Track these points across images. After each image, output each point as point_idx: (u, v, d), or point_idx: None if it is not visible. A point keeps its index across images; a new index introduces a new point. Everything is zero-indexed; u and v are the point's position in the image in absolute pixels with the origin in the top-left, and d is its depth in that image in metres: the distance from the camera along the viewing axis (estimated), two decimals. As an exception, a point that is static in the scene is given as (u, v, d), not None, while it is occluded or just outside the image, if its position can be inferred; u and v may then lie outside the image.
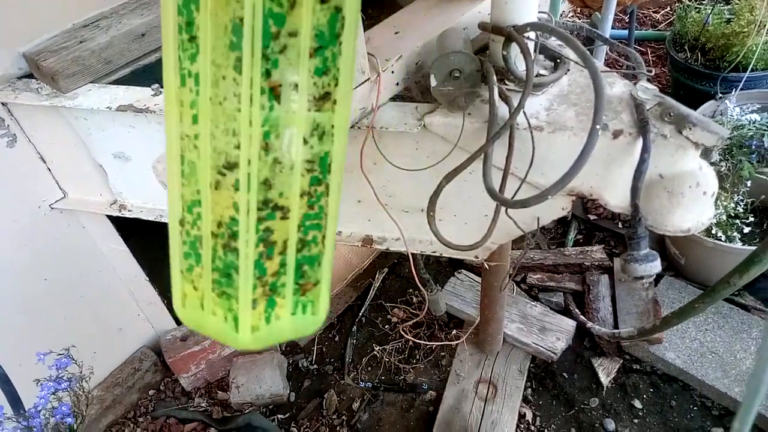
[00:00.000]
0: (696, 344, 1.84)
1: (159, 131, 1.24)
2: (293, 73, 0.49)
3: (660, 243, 2.15)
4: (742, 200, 1.89)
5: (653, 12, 3.37)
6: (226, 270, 0.55)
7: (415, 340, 2.06)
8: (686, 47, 2.47)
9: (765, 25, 2.20)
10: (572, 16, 3.42)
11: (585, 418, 1.81)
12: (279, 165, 0.52)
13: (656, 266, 0.95)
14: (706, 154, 0.92)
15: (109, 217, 1.66)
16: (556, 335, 1.95)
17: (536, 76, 0.99)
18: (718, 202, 1.87)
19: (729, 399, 1.74)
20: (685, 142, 0.89)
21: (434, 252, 1.25)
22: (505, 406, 1.83)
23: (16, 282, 1.58)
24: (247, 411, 1.94)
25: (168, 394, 2.04)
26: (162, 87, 1.22)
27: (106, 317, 1.88)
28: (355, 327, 2.17)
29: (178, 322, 2.07)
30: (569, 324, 1.98)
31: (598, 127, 0.83)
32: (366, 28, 1.06)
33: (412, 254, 1.25)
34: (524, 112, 0.93)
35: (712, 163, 0.95)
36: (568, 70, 1.03)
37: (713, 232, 1.87)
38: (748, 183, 1.88)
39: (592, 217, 2.35)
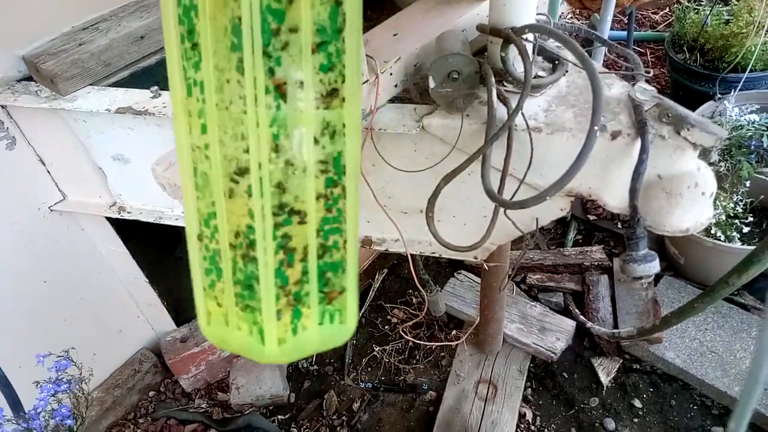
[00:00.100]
0: (696, 344, 1.85)
1: (158, 133, 1.24)
2: (297, 70, 0.48)
3: (659, 243, 2.16)
4: (741, 200, 1.89)
5: (652, 13, 3.37)
6: (248, 281, 0.53)
7: (415, 341, 2.06)
8: (685, 48, 2.47)
9: (763, 26, 2.20)
10: (571, 18, 3.43)
11: (585, 418, 1.81)
12: (291, 167, 0.50)
13: (655, 266, 0.95)
14: (704, 154, 0.92)
15: (109, 219, 1.66)
16: (555, 335, 1.95)
17: (534, 77, 0.99)
18: (718, 202, 1.87)
19: (729, 398, 1.74)
20: (684, 142, 0.89)
21: (433, 253, 1.26)
22: (505, 406, 1.83)
23: (15, 284, 1.59)
24: (247, 412, 1.94)
25: (168, 396, 2.04)
26: (161, 90, 1.22)
27: (105, 319, 1.88)
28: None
29: (178, 324, 2.07)
30: (569, 324, 1.98)
31: (596, 128, 0.83)
32: (365, 30, 1.06)
33: (412, 255, 1.25)
34: (522, 114, 0.93)
35: (711, 164, 0.95)
36: (567, 71, 1.03)
37: (712, 231, 1.87)
38: (747, 183, 1.88)
39: (591, 218, 2.35)
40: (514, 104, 0.91)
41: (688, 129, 0.88)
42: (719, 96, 2.20)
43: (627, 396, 1.84)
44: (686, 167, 0.91)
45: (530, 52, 0.97)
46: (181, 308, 2.17)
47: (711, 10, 2.40)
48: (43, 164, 1.51)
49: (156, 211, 1.48)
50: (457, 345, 2.00)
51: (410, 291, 2.24)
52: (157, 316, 2.02)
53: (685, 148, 0.90)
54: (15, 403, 1.20)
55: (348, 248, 0.56)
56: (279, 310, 0.54)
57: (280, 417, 1.96)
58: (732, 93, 2.15)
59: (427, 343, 2.05)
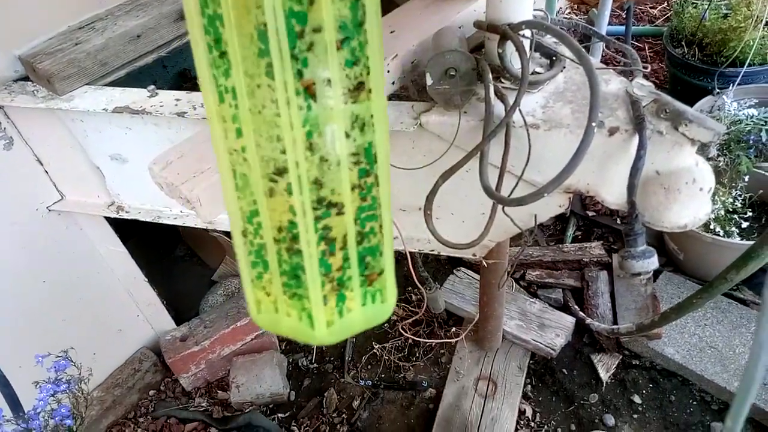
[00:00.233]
0: (695, 339, 1.85)
1: (155, 132, 1.24)
2: (324, 69, 0.49)
3: (659, 238, 2.16)
4: (740, 195, 1.89)
5: (650, 8, 3.36)
6: (294, 272, 0.57)
7: (415, 338, 2.06)
8: (683, 43, 2.47)
9: (762, 20, 2.20)
10: (569, 13, 3.42)
11: (585, 414, 1.82)
12: (326, 163, 0.52)
13: (653, 262, 0.95)
14: (703, 149, 0.92)
15: (107, 218, 1.66)
16: (555, 332, 1.95)
17: (532, 73, 0.99)
18: (717, 197, 1.87)
19: (728, 393, 1.74)
20: (681, 138, 0.89)
21: (432, 250, 1.26)
22: (504, 402, 1.83)
23: (14, 284, 1.58)
24: (247, 410, 1.94)
25: (168, 395, 2.04)
26: (157, 89, 1.22)
27: (105, 318, 1.88)
28: (354, 325, 2.17)
29: (178, 323, 2.07)
30: (568, 320, 1.98)
31: (593, 124, 0.83)
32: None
33: (410, 253, 1.25)
34: (520, 110, 0.93)
35: (709, 159, 0.95)
36: (564, 67, 1.03)
37: (712, 227, 1.87)
38: (746, 178, 1.88)
39: (590, 214, 2.35)
40: (511, 101, 0.91)
41: (686, 124, 0.87)
42: (718, 90, 2.20)
43: (626, 392, 1.84)
44: (684, 163, 0.91)
45: (527, 48, 0.97)
46: (181, 307, 2.17)
47: (709, 5, 2.39)
48: (41, 164, 1.51)
49: (154, 211, 1.48)
50: (456, 342, 2.01)
51: (410, 288, 2.24)
52: (156, 316, 2.02)
53: (683, 144, 0.89)
54: (14, 403, 1.20)
55: (384, 232, 0.59)
56: (325, 296, 0.58)
57: (280, 415, 1.96)
58: (730, 87, 2.15)
59: (426, 341, 2.06)
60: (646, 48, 3.09)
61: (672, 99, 0.90)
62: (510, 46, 0.95)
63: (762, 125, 1.92)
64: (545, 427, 1.81)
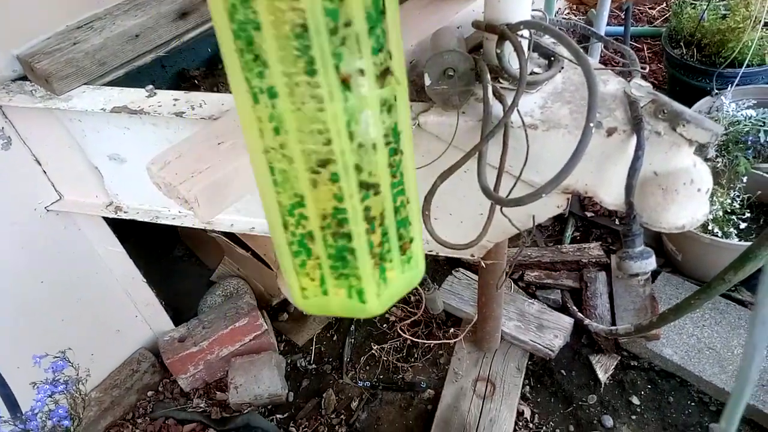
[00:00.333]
0: (693, 340, 1.85)
1: (153, 132, 1.24)
2: (357, 60, 0.51)
3: (657, 239, 2.16)
4: (738, 196, 1.89)
5: (649, 8, 3.37)
6: (340, 254, 0.61)
7: (413, 339, 2.06)
8: (682, 43, 2.47)
9: (760, 21, 2.20)
10: (568, 13, 3.42)
11: (583, 415, 1.81)
12: (363, 148, 0.55)
13: (651, 263, 0.95)
14: (701, 150, 0.92)
15: (106, 218, 1.66)
16: (553, 332, 1.95)
17: (530, 74, 0.99)
18: (715, 198, 1.87)
19: (726, 394, 1.74)
20: (679, 139, 0.89)
21: (430, 251, 1.26)
22: (503, 403, 1.83)
23: (12, 284, 1.58)
24: (245, 411, 1.94)
25: (166, 395, 2.04)
26: (156, 89, 1.22)
27: (103, 319, 1.88)
28: (352, 326, 2.17)
29: (176, 323, 2.06)
30: (567, 321, 1.98)
31: (591, 125, 0.83)
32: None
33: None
34: (518, 111, 0.93)
35: (708, 160, 0.95)
36: (562, 67, 1.03)
37: (710, 228, 1.87)
38: (745, 179, 1.88)
39: (589, 214, 2.35)
40: (509, 101, 0.91)
41: (683, 125, 0.87)
42: (716, 91, 2.20)
43: (625, 393, 1.84)
44: (682, 164, 0.91)
45: (526, 48, 0.97)
46: (179, 308, 2.17)
47: (708, 5, 2.40)
48: (39, 164, 1.51)
49: (153, 211, 1.48)
50: (455, 343, 2.00)
51: (408, 289, 2.24)
52: (155, 316, 2.02)
53: (680, 145, 0.89)
54: (12, 403, 1.20)
55: (411, 203, 0.63)
56: (372, 271, 0.63)
57: (278, 416, 1.96)
58: (729, 88, 2.15)
59: (425, 342, 2.05)
60: (645, 48, 3.09)
61: (670, 100, 0.90)
62: (508, 47, 0.95)
63: (760, 126, 1.92)
64: (543, 428, 1.81)
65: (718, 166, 1.90)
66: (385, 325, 2.16)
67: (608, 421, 1.78)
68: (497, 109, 0.94)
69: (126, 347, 2.00)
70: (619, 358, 1.92)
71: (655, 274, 2.06)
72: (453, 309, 2.09)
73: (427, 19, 1.15)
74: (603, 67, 1.04)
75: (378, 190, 0.58)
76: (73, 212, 1.62)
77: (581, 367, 1.93)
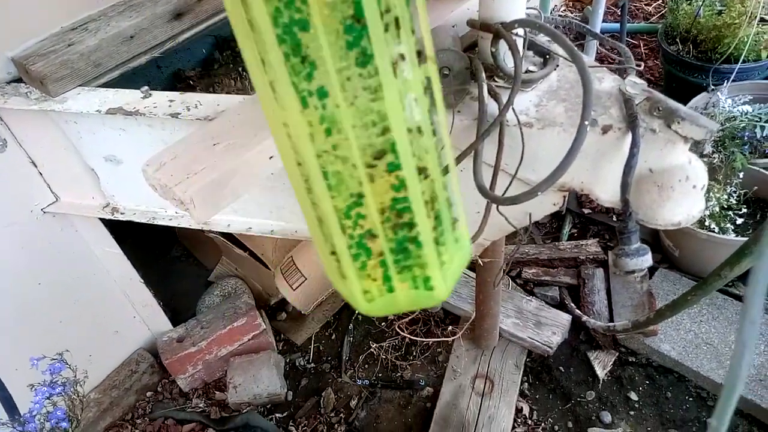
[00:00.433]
0: (691, 336, 1.85)
1: (149, 134, 1.24)
2: (398, 45, 0.51)
3: (654, 235, 2.16)
4: (734, 192, 1.90)
5: (645, 4, 3.37)
6: (401, 247, 0.60)
7: (412, 337, 2.06)
8: (678, 39, 2.47)
9: (756, 16, 2.20)
10: (564, 11, 3.42)
11: (581, 411, 1.82)
12: (411, 133, 0.55)
13: (647, 260, 0.95)
14: (697, 147, 0.92)
15: (102, 220, 1.65)
16: (551, 329, 1.96)
17: (525, 72, 0.99)
18: (711, 193, 1.87)
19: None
20: (674, 136, 0.89)
21: (427, 249, 1.25)
22: (501, 400, 1.83)
23: (10, 286, 1.58)
24: (245, 411, 1.94)
25: (165, 396, 2.04)
26: (151, 90, 1.21)
27: (101, 320, 1.88)
28: (351, 325, 2.17)
29: (174, 324, 2.07)
30: (565, 318, 1.99)
31: (586, 122, 0.83)
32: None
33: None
34: (513, 109, 0.93)
35: (704, 155, 0.95)
36: (557, 65, 1.03)
37: (707, 223, 1.87)
38: (741, 174, 1.89)
39: (586, 211, 2.35)
40: (505, 99, 0.91)
41: (678, 122, 0.88)
42: (712, 87, 2.20)
43: (623, 389, 1.85)
44: (677, 160, 0.91)
45: (520, 47, 0.97)
46: (177, 308, 2.17)
47: (703, 1, 2.40)
48: (35, 166, 1.50)
49: (149, 212, 1.48)
50: (453, 341, 2.01)
51: (406, 287, 2.24)
52: (153, 317, 2.02)
53: (675, 142, 0.90)
54: (10, 406, 1.20)
55: (452, 183, 0.63)
56: (434, 257, 0.62)
57: (277, 415, 1.96)
58: (725, 84, 2.15)
59: (423, 340, 2.06)
60: (641, 45, 3.09)
61: (665, 97, 0.90)
62: (503, 45, 0.95)
63: (756, 122, 1.92)
64: (542, 424, 1.82)
65: (715, 161, 1.91)
66: (383, 324, 2.16)
67: (606, 417, 1.79)
68: (492, 107, 0.94)
69: (124, 348, 2.00)
70: (617, 354, 1.92)
71: (652, 270, 2.07)
72: (451, 307, 2.10)
73: (422, 18, 1.15)
74: (598, 64, 1.04)
75: (427, 174, 0.58)
76: (69, 214, 1.62)
77: (579, 363, 1.94)
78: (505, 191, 0.97)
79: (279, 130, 0.57)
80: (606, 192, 0.97)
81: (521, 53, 0.95)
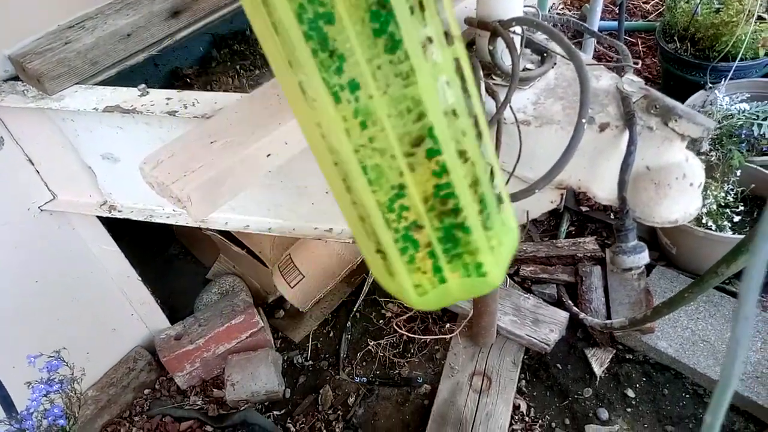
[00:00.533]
0: (688, 333, 1.86)
1: (146, 132, 1.24)
2: (425, 27, 0.50)
3: (652, 233, 2.17)
4: (732, 189, 1.90)
5: (643, 2, 3.37)
6: (448, 234, 0.58)
7: (410, 335, 2.06)
8: (676, 37, 2.47)
9: (753, 14, 2.20)
10: (562, 8, 3.42)
11: (579, 408, 1.83)
12: (447, 116, 0.54)
13: (644, 258, 0.95)
14: (694, 144, 0.93)
15: (100, 218, 1.65)
16: (549, 327, 1.96)
17: (523, 70, 0.99)
18: (709, 191, 1.88)
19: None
20: (671, 134, 0.90)
21: (425, 247, 1.25)
22: (499, 397, 1.84)
23: (7, 284, 1.58)
24: (242, 408, 1.94)
25: (163, 393, 2.04)
26: (148, 88, 1.21)
27: (99, 318, 1.88)
28: (349, 322, 2.17)
29: (172, 321, 2.06)
30: (562, 315, 1.99)
31: (583, 120, 0.83)
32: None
33: (403, 250, 1.25)
34: (511, 107, 0.93)
35: (702, 153, 0.96)
36: (555, 63, 1.03)
37: (704, 221, 1.88)
38: (738, 172, 1.89)
39: (584, 209, 2.35)
40: (502, 97, 0.91)
41: (675, 120, 0.88)
42: (710, 85, 2.21)
43: (620, 386, 1.85)
44: (674, 158, 0.92)
45: (518, 45, 0.97)
46: (175, 306, 2.17)
47: None
48: (32, 164, 1.50)
49: (147, 210, 1.48)
50: (451, 338, 2.01)
51: (404, 285, 2.24)
52: (150, 314, 2.02)
53: (672, 140, 0.90)
54: (8, 403, 1.20)
55: (494, 164, 0.61)
56: (485, 241, 0.61)
57: (275, 412, 1.96)
58: (723, 82, 2.15)
59: (421, 337, 2.06)
60: (639, 43, 3.09)
61: (662, 95, 0.90)
62: (501, 43, 0.96)
63: (754, 119, 1.93)
64: (540, 421, 1.82)
65: (712, 159, 1.91)
66: (381, 321, 2.16)
67: (604, 414, 1.79)
68: (490, 105, 0.94)
69: (122, 346, 2.00)
70: (615, 351, 1.93)
71: (649, 268, 2.07)
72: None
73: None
74: (596, 62, 1.04)
75: (467, 156, 0.56)
76: (67, 212, 1.62)
77: (577, 360, 1.94)
78: (503, 189, 0.97)
79: (312, 132, 0.56)
80: (603, 190, 0.98)
81: (519, 51, 0.95)
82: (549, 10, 2.68)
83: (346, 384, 2.01)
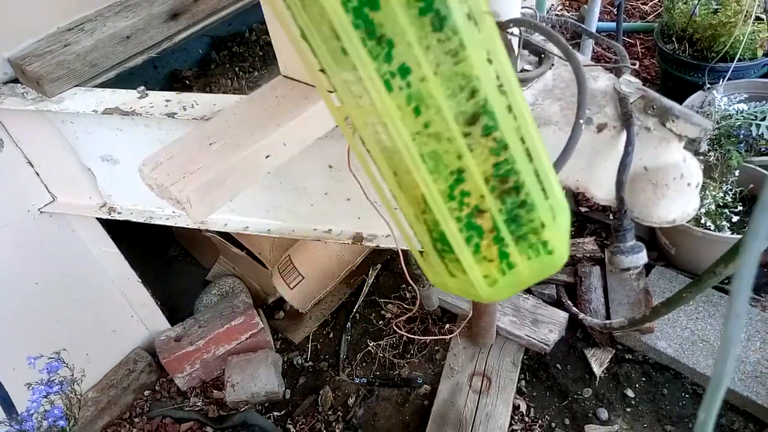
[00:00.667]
0: (687, 333, 1.86)
1: (146, 134, 1.24)
2: (463, 3, 0.50)
3: (650, 233, 2.17)
4: (730, 189, 1.91)
5: (641, 3, 3.37)
6: (511, 215, 0.57)
7: (409, 335, 2.07)
8: (674, 38, 2.48)
9: (751, 15, 2.21)
10: (561, 10, 3.43)
11: (578, 408, 1.83)
12: (499, 89, 0.53)
13: (642, 257, 0.96)
14: (692, 144, 0.93)
15: (100, 219, 1.66)
16: (548, 327, 1.96)
17: (521, 71, 1.00)
18: (707, 191, 1.88)
19: (723, 394, 1.75)
20: (669, 134, 0.90)
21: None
22: (499, 398, 1.84)
23: (7, 286, 1.58)
24: (242, 409, 1.95)
25: (163, 395, 2.04)
26: (147, 90, 1.22)
27: (99, 319, 1.88)
28: (349, 323, 2.18)
29: (172, 323, 2.07)
30: (561, 316, 1.99)
31: (581, 121, 0.83)
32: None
33: (403, 251, 1.25)
34: (509, 108, 0.93)
35: (700, 153, 0.96)
36: (553, 64, 1.03)
37: (702, 221, 1.88)
38: (737, 172, 1.89)
39: (583, 209, 2.36)
40: (499, 99, 0.91)
41: (673, 120, 0.88)
42: (708, 86, 2.21)
43: (620, 386, 1.85)
44: (672, 158, 0.92)
45: (516, 46, 0.98)
46: (175, 307, 2.17)
47: (699, 0, 2.40)
48: (32, 166, 1.50)
49: (146, 211, 1.48)
50: (450, 339, 2.01)
51: (404, 286, 2.25)
52: (150, 316, 2.02)
53: (670, 140, 0.90)
54: (8, 404, 1.20)
55: (535, 131, 0.59)
56: (548, 217, 0.59)
57: (275, 413, 1.96)
58: (721, 82, 2.16)
59: (421, 338, 2.06)
60: (638, 44, 3.10)
61: (659, 95, 0.91)
62: (498, 44, 0.96)
63: (752, 120, 1.93)
64: (539, 421, 1.82)
65: (711, 159, 1.91)
66: (380, 322, 2.17)
67: (603, 414, 1.79)
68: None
69: (122, 347, 2.01)
70: (614, 351, 1.93)
71: (649, 268, 2.07)
72: (448, 305, 2.10)
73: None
74: (593, 63, 1.04)
75: (520, 130, 0.55)
76: (66, 214, 1.62)
77: (576, 361, 1.94)
78: (501, 190, 0.97)
79: (365, 130, 0.55)
80: (601, 190, 0.98)
81: (517, 52, 0.95)
82: (547, 12, 2.69)
83: (346, 385, 2.01)
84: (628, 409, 1.80)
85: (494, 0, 0.94)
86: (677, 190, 0.94)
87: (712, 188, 1.89)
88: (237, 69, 1.69)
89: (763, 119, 1.92)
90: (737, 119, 1.95)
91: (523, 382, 1.92)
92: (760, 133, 1.92)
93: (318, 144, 1.01)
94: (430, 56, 0.49)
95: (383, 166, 0.57)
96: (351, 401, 1.96)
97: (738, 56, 2.23)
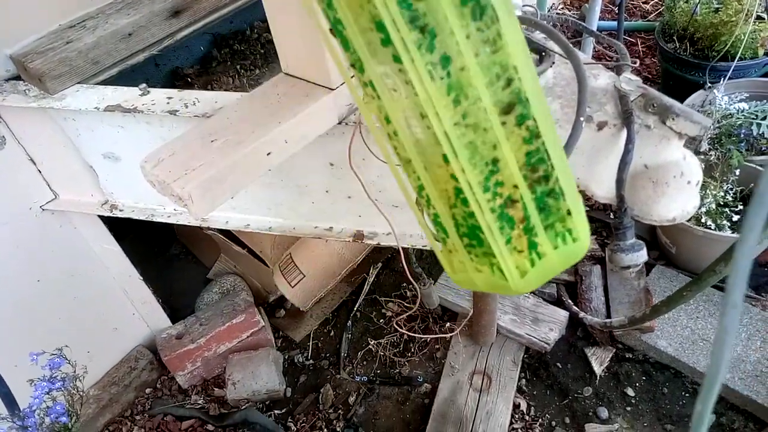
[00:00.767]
0: (687, 332, 1.86)
1: (147, 131, 1.24)
2: None
3: (651, 232, 2.17)
4: (731, 189, 1.91)
5: (642, 2, 3.37)
6: (541, 204, 0.57)
7: (410, 334, 2.07)
8: (675, 37, 2.48)
9: (752, 14, 2.21)
10: (562, 8, 3.43)
11: (578, 407, 1.83)
12: (532, 78, 0.53)
13: (642, 255, 0.96)
14: (692, 143, 0.93)
15: (101, 217, 1.66)
16: (549, 326, 1.97)
17: (521, 69, 1.00)
18: (708, 190, 1.88)
19: (720, 385, 1.75)
20: (669, 132, 0.90)
21: (425, 246, 1.26)
22: (499, 396, 1.84)
23: (9, 284, 1.59)
24: (243, 407, 1.95)
25: (165, 392, 2.05)
26: (149, 87, 1.22)
27: (100, 317, 1.88)
28: (349, 322, 2.18)
29: (173, 320, 2.07)
30: (562, 314, 2.00)
31: (582, 119, 0.84)
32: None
33: (404, 249, 1.26)
34: (509, 106, 0.93)
35: (701, 152, 0.96)
36: (553, 62, 1.03)
37: (703, 220, 1.88)
38: (737, 171, 1.89)
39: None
40: (500, 96, 0.92)
41: (673, 118, 0.88)
42: (709, 85, 2.21)
43: (620, 385, 1.86)
44: (672, 157, 0.92)
45: (516, 44, 0.98)
46: (176, 305, 2.17)
47: None
48: (34, 163, 1.51)
49: (148, 209, 1.48)
50: (451, 337, 2.02)
51: (404, 284, 2.25)
52: (152, 314, 2.02)
53: (670, 138, 0.90)
54: (10, 401, 1.21)
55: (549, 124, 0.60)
56: (575, 204, 0.60)
57: (276, 411, 1.97)
58: (722, 82, 2.16)
59: (421, 336, 2.07)
60: (639, 43, 3.10)
61: (659, 93, 0.91)
62: (499, 42, 0.96)
63: (753, 119, 1.93)
64: (539, 420, 1.83)
65: (712, 158, 1.91)
66: (381, 321, 2.17)
67: (603, 413, 1.80)
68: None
69: (123, 345, 2.01)
70: (614, 350, 1.93)
71: (649, 267, 2.08)
72: (449, 303, 2.10)
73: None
74: (594, 61, 1.04)
75: (548, 119, 0.56)
76: (68, 211, 1.62)
77: (577, 359, 1.94)
78: (502, 187, 0.98)
79: (397, 125, 0.55)
80: (602, 188, 0.98)
81: (517, 50, 0.95)
82: (548, 10, 2.69)
83: (347, 383, 2.01)
84: (629, 408, 1.81)
85: (495, -2, 0.95)
86: (677, 188, 0.94)
87: (712, 187, 1.89)
88: (238, 67, 1.69)
89: (764, 118, 1.92)
90: (738, 118, 1.95)
91: (524, 380, 1.92)
92: (760, 132, 1.92)
93: (319, 141, 1.02)
94: (470, 45, 0.50)
95: (415, 160, 0.57)
96: (352, 399, 1.96)
97: (739, 55, 2.23)
